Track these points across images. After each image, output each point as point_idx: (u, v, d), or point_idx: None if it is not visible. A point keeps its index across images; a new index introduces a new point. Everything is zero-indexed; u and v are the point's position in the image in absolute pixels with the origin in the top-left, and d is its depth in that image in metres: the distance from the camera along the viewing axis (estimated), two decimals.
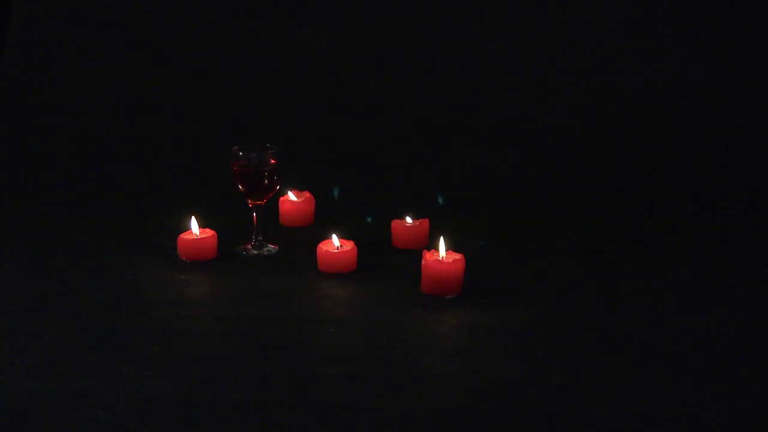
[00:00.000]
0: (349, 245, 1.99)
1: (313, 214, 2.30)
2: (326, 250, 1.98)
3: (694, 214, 2.42)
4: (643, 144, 2.74)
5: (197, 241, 2.03)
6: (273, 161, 2.04)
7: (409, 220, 2.14)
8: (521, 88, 2.84)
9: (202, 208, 2.17)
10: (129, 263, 2.02)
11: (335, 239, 2.00)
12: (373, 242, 2.11)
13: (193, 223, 2.05)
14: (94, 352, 1.62)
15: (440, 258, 1.87)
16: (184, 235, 2.04)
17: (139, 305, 1.83)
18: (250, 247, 2.10)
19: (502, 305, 1.83)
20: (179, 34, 2.93)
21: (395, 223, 2.14)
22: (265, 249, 2.10)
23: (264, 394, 1.48)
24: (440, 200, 2.47)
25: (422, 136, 2.78)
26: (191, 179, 2.63)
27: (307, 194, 2.30)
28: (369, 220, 2.32)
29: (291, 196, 2.28)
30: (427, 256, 1.87)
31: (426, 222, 2.14)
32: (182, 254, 2.04)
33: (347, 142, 2.76)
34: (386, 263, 2.04)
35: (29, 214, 2.37)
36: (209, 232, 2.06)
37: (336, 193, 2.48)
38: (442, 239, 1.89)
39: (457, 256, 1.87)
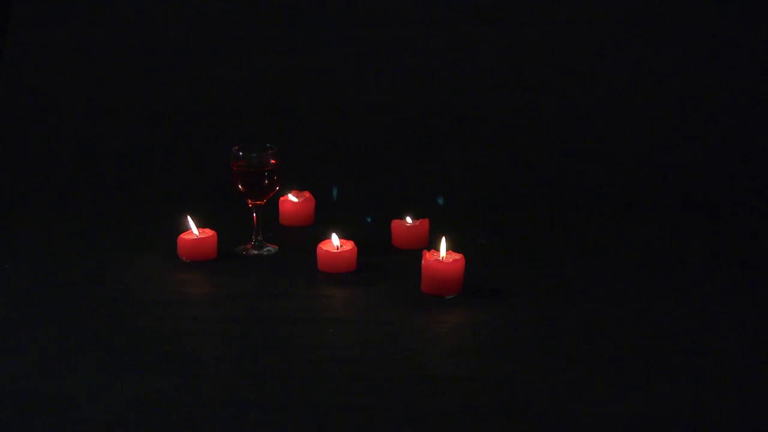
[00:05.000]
0: (349, 245, 1.99)
1: (313, 214, 2.30)
2: (326, 250, 1.98)
3: (693, 213, 2.42)
4: (643, 144, 2.74)
5: (197, 241, 2.03)
6: (273, 161, 2.04)
7: (409, 220, 2.14)
8: (521, 88, 2.85)
9: (202, 208, 2.17)
10: (129, 263, 2.02)
11: (335, 239, 2.00)
12: (373, 242, 2.11)
13: (190, 223, 2.05)
14: (94, 352, 1.62)
15: (440, 258, 1.87)
16: (184, 235, 2.04)
17: (139, 305, 1.82)
18: (250, 247, 2.10)
19: (502, 305, 1.83)
20: (179, 34, 2.93)
21: (395, 223, 2.14)
22: (265, 249, 2.10)
23: (264, 394, 1.48)
24: (440, 200, 2.47)
25: (422, 137, 2.78)
26: (191, 179, 2.63)
27: (307, 194, 2.30)
28: (369, 220, 2.32)
29: (291, 196, 2.28)
30: (427, 256, 1.87)
31: (426, 222, 2.14)
32: (182, 254, 2.04)
33: (347, 142, 2.77)
34: (386, 263, 2.04)
35: (29, 214, 2.37)
36: (209, 232, 2.06)
37: (335, 193, 2.48)
38: (443, 239, 1.89)
39: (457, 256, 1.87)
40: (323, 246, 1.99)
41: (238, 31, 2.92)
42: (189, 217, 2.06)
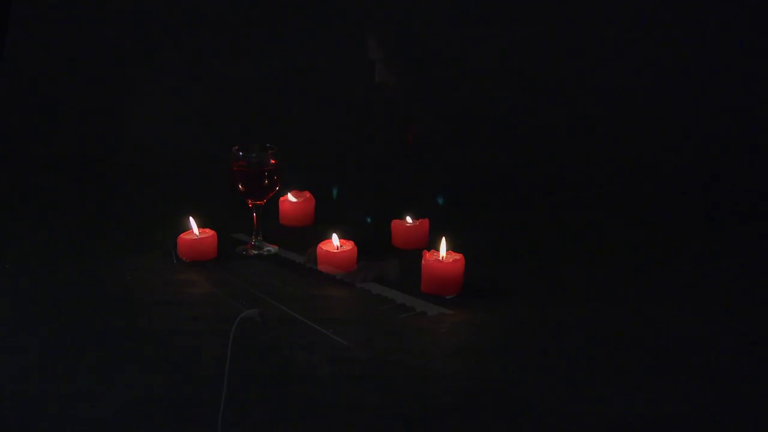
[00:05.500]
0: (349, 245, 1.99)
1: (313, 214, 2.30)
2: (326, 250, 1.98)
3: (693, 213, 2.42)
4: (642, 144, 2.74)
5: (197, 241, 2.03)
6: (273, 161, 2.04)
7: (409, 220, 2.14)
8: (521, 88, 2.85)
9: (202, 208, 2.17)
10: (129, 263, 2.02)
11: (335, 239, 2.00)
12: (373, 242, 2.11)
13: (192, 224, 2.05)
14: (93, 352, 1.62)
15: (440, 258, 1.87)
16: (184, 235, 2.04)
17: (140, 305, 1.82)
18: (250, 247, 2.10)
19: (502, 305, 1.83)
20: (179, 34, 2.93)
21: (395, 223, 2.14)
22: (265, 249, 2.10)
23: (263, 394, 1.48)
24: (440, 200, 2.47)
25: (423, 137, 2.78)
26: (191, 179, 2.63)
27: (307, 194, 2.30)
28: (369, 220, 2.32)
29: (290, 197, 2.28)
30: (427, 256, 1.87)
31: (426, 222, 2.14)
32: (182, 254, 2.04)
33: (347, 142, 2.77)
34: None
35: (29, 214, 2.37)
36: (209, 232, 2.06)
37: (335, 192, 2.48)
38: (443, 239, 1.89)
39: (457, 256, 1.87)
40: (323, 246, 1.99)
41: (238, 30, 2.93)
42: (191, 219, 2.05)
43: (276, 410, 1.44)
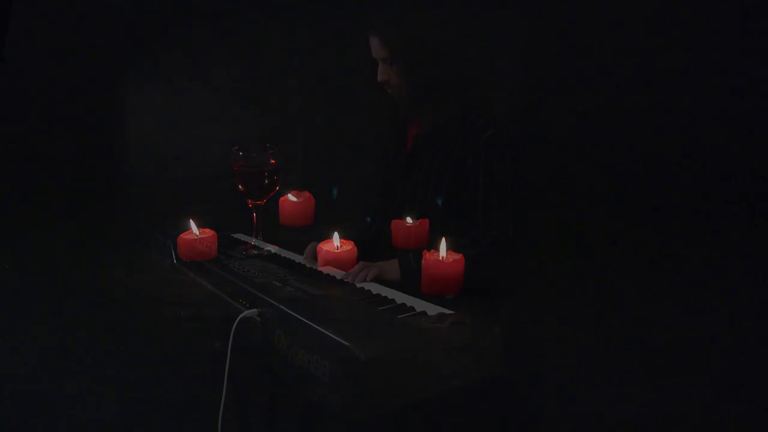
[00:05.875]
0: (349, 245, 1.99)
1: (313, 214, 2.30)
2: (326, 250, 1.98)
3: (693, 213, 2.42)
4: (643, 144, 2.74)
5: (197, 241, 2.03)
6: (273, 161, 2.04)
7: (409, 220, 2.14)
8: (520, 87, 2.85)
9: (202, 208, 2.17)
10: (129, 263, 2.02)
11: (336, 239, 2.00)
12: (373, 242, 2.11)
13: (192, 224, 2.05)
14: (93, 352, 1.62)
15: (440, 258, 1.87)
16: (185, 235, 2.04)
17: (140, 305, 1.82)
18: (250, 247, 2.10)
19: (502, 305, 1.83)
20: (178, 34, 2.93)
21: (395, 223, 2.14)
22: (265, 249, 2.10)
23: (263, 394, 1.48)
24: (439, 201, 2.46)
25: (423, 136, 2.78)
26: (191, 179, 2.63)
27: (307, 194, 2.30)
28: (369, 220, 2.32)
29: (290, 197, 2.28)
30: (427, 256, 1.87)
31: (426, 222, 2.14)
32: (182, 254, 2.04)
33: (347, 142, 2.76)
34: None
35: (29, 215, 2.36)
36: (209, 232, 2.06)
37: (335, 192, 2.48)
38: (443, 239, 1.89)
39: (457, 256, 1.87)
40: (323, 246, 1.99)
41: (238, 30, 2.93)
42: (191, 221, 2.05)
43: (276, 410, 1.44)
